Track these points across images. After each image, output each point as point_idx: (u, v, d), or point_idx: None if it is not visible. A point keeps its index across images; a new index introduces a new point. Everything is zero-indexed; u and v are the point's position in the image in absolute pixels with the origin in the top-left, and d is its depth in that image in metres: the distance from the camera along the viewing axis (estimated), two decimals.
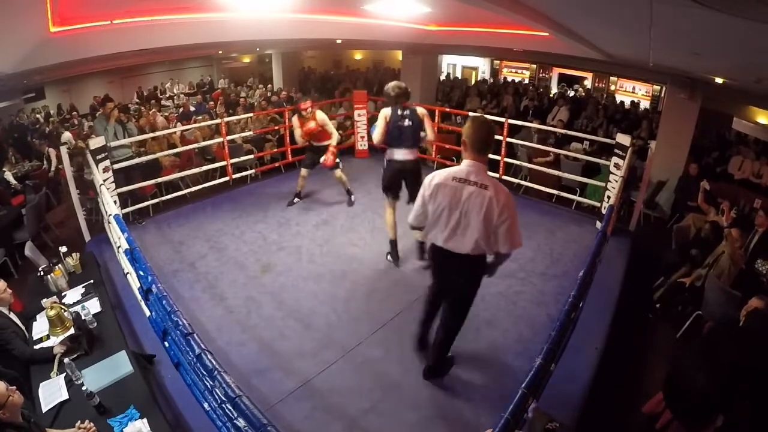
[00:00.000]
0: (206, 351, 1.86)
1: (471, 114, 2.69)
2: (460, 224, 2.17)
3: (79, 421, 1.96)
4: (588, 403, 2.61)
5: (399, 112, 3.53)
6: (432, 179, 2.21)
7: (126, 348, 2.54)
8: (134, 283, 2.81)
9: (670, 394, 2.49)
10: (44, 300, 2.79)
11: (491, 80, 12.89)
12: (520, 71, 13.53)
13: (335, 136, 4.94)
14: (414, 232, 3.47)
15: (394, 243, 3.99)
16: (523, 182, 5.59)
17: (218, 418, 1.75)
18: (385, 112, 3.56)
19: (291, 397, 2.61)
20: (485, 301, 3.51)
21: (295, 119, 4.88)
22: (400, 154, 3.62)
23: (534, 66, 13.08)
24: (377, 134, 3.56)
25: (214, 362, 1.80)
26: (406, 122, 3.53)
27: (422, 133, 3.63)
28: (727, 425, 2.23)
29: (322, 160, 4.81)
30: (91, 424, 1.97)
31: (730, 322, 2.49)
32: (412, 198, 3.61)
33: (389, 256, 4.05)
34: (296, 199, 5.32)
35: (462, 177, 2.15)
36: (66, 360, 2.32)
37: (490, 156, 4.90)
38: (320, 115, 4.83)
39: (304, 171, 5.15)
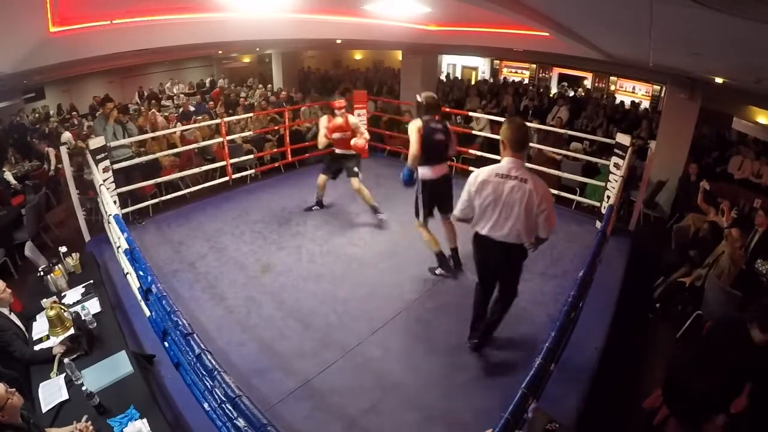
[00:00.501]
0: (206, 351, 1.86)
1: (508, 117, 2.85)
2: (502, 215, 2.39)
3: (75, 421, 1.96)
4: (588, 403, 2.61)
5: (433, 124, 3.35)
6: (477, 176, 2.44)
7: (126, 348, 2.54)
8: (134, 283, 2.81)
9: (669, 392, 2.50)
10: (44, 300, 2.78)
11: (491, 80, 12.90)
12: (520, 71, 13.53)
13: (366, 136, 4.56)
14: (428, 243, 3.66)
15: (442, 254, 3.74)
16: None
17: (218, 418, 1.75)
18: (417, 125, 3.33)
19: (291, 397, 2.61)
20: None
21: (324, 119, 4.53)
22: (438, 171, 3.43)
23: (534, 66, 13.09)
24: (415, 150, 3.27)
25: (214, 362, 1.80)
26: (440, 135, 3.36)
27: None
28: (729, 425, 2.23)
29: (353, 141, 4.41)
30: (89, 422, 1.97)
31: (730, 322, 2.49)
32: (445, 209, 3.58)
33: (439, 270, 3.76)
34: (315, 207, 5.07)
35: (504, 173, 2.39)
36: (66, 360, 2.31)
37: (490, 156, 4.95)
38: (353, 120, 4.51)
39: (322, 178, 4.83)
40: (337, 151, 4.66)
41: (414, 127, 3.34)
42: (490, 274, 2.72)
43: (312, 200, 5.15)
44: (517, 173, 2.37)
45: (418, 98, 3.47)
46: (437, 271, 3.79)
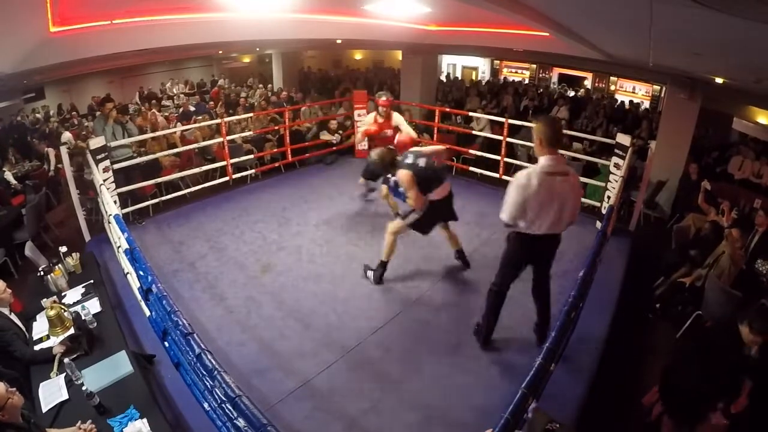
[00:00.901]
0: (206, 351, 1.86)
1: (539, 117, 2.73)
2: (557, 211, 2.46)
3: (79, 422, 1.96)
4: (588, 403, 2.61)
5: (417, 161, 3.30)
6: (528, 181, 2.39)
7: (126, 348, 2.54)
8: (134, 283, 2.81)
9: (664, 389, 2.50)
10: (44, 300, 2.78)
11: (492, 79, 12.90)
12: (520, 71, 13.54)
13: (413, 135, 4.33)
14: (388, 249, 3.61)
15: (385, 265, 3.69)
16: None
17: (218, 418, 1.75)
18: (408, 174, 3.24)
19: (291, 397, 2.61)
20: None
21: (371, 116, 4.47)
22: (442, 191, 3.42)
23: (534, 66, 13.09)
24: (419, 201, 3.30)
25: (214, 362, 1.80)
26: (425, 161, 3.31)
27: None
28: (729, 425, 2.23)
29: (396, 140, 4.22)
30: (93, 425, 1.97)
31: (729, 321, 2.49)
32: (450, 219, 3.66)
33: (371, 274, 3.69)
34: (369, 193, 5.25)
35: (551, 171, 2.41)
36: (66, 360, 2.31)
37: (490, 156, 4.93)
38: (397, 118, 4.37)
39: (361, 180, 5.05)
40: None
41: (406, 177, 3.24)
42: (518, 273, 2.80)
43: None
44: (560, 168, 2.43)
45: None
46: (368, 274, 3.72)
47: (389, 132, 4.34)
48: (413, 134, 4.38)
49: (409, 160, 3.31)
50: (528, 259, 2.75)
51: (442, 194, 3.42)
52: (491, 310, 2.88)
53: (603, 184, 4.77)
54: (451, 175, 6.36)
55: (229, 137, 5.79)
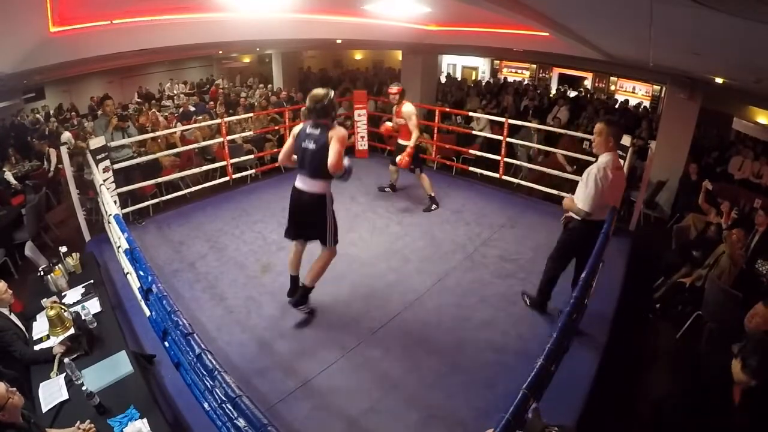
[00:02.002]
0: (206, 351, 1.86)
1: (607, 119, 3.18)
2: (618, 199, 2.96)
3: (78, 422, 1.96)
4: (588, 403, 2.61)
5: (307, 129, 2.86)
6: (606, 174, 2.71)
7: (126, 348, 2.54)
8: (134, 283, 2.81)
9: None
10: (44, 300, 2.79)
11: (491, 80, 12.90)
12: (520, 71, 13.54)
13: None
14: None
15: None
16: (523, 182, 5.59)
17: (218, 418, 1.75)
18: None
19: (291, 397, 2.61)
20: (485, 302, 3.51)
21: (396, 108, 4.72)
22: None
23: (534, 66, 13.09)
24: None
25: (214, 362, 1.80)
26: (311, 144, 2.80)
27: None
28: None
29: (397, 159, 4.65)
30: (92, 424, 1.97)
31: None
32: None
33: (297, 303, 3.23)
34: (387, 189, 5.50)
35: (618, 166, 2.82)
36: (66, 360, 2.31)
37: (490, 156, 4.96)
38: (407, 108, 4.51)
39: (391, 166, 5.22)
40: (399, 141, 4.83)
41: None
42: (575, 254, 3.09)
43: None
44: (620, 164, 2.85)
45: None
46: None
47: (401, 121, 4.57)
48: (415, 134, 4.58)
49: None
50: (585, 245, 2.84)
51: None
52: (545, 289, 3.29)
53: None
54: (451, 175, 6.38)
55: (229, 137, 5.79)
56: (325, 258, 3.11)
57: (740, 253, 3.47)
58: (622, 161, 3.20)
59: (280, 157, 3.04)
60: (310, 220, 2.98)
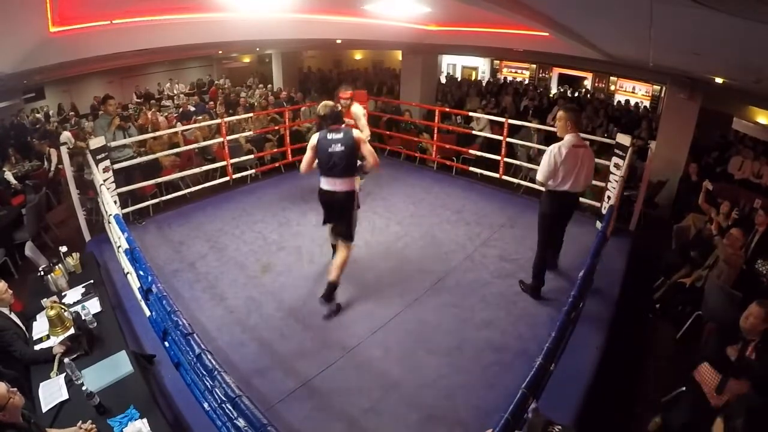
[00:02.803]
0: (206, 351, 1.86)
1: (566, 106, 3.65)
2: (580, 173, 3.22)
3: (80, 421, 1.96)
4: (588, 403, 2.61)
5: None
6: (560, 150, 3.15)
7: (126, 348, 2.54)
8: (134, 283, 2.81)
9: None
10: (44, 300, 2.79)
11: (491, 79, 12.90)
12: (520, 71, 13.54)
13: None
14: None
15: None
16: (523, 182, 5.59)
17: (218, 418, 1.75)
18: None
19: (291, 397, 2.61)
20: (485, 302, 3.51)
21: (346, 110, 4.63)
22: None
23: (534, 66, 13.10)
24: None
25: (214, 362, 1.80)
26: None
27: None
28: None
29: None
30: (93, 424, 1.97)
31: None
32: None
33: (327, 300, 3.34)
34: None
35: (576, 144, 3.19)
36: (66, 360, 2.32)
37: (490, 156, 5.00)
38: (355, 110, 4.62)
39: None
40: None
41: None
42: (556, 228, 3.52)
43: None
44: (581, 143, 3.24)
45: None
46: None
47: (351, 121, 4.52)
48: (366, 133, 4.45)
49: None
50: (557, 213, 3.40)
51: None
52: (537, 273, 3.54)
53: (603, 184, 4.77)
54: (451, 175, 6.38)
55: (229, 137, 5.80)
56: (345, 253, 3.36)
57: (736, 257, 3.46)
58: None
59: (304, 167, 3.29)
60: (340, 216, 3.33)
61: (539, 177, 3.26)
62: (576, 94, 11.37)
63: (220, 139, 5.64)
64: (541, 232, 3.49)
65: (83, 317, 2.64)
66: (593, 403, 2.62)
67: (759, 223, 3.89)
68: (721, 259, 3.47)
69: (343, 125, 3.24)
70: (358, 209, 3.41)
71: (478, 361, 2.92)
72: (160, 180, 5.23)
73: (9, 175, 5.97)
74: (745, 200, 5.40)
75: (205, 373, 1.83)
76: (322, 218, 3.41)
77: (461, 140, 6.92)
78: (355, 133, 3.17)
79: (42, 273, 3.13)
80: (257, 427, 1.52)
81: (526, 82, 12.86)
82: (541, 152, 6.22)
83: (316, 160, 3.20)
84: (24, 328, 2.64)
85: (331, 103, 3.32)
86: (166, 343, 2.25)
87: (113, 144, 4.44)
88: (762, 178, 6.18)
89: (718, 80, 5.04)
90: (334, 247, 3.56)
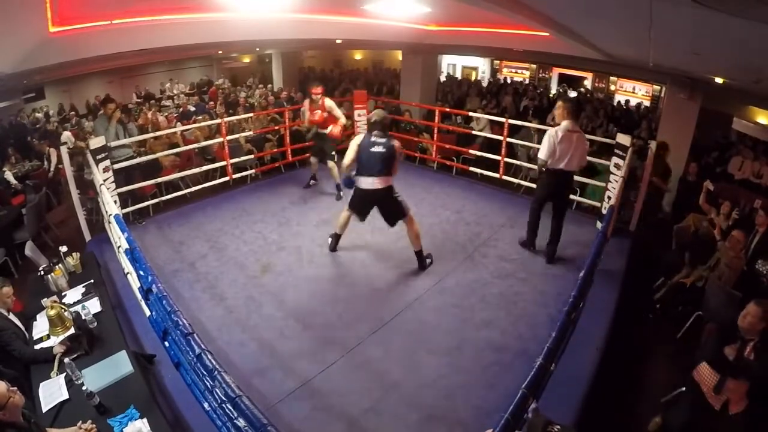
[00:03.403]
0: (206, 351, 1.86)
1: (564, 97, 3.96)
2: (574, 154, 3.73)
3: (80, 421, 1.96)
4: (588, 403, 2.61)
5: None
6: (557, 134, 3.70)
7: (126, 348, 2.54)
8: (134, 282, 2.81)
9: None
10: (44, 300, 2.79)
11: (491, 79, 12.90)
12: (520, 71, 13.53)
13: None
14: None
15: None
16: (523, 182, 5.59)
17: (218, 418, 1.75)
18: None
19: (291, 397, 2.61)
20: (485, 302, 3.52)
21: (306, 103, 5.18)
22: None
23: (534, 66, 13.09)
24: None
25: (214, 362, 1.80)
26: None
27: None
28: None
29: (328, 131, 5.04)
30: (93, 424, 1.97)
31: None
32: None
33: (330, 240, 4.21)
34: (312, 182, 5.73)
35: (571, 129, 3.72)
36: (66, 360, 2.32)
37: (490, 156, 5.03)
38: (328, 103, 5.09)
39: (312, 159, 5.55)
40: (319, 130, 5.22)
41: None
42: (548, 198, 4.03)
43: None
44: (576, 129, 3.79)
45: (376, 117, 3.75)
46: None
47: (325, 114, 5.06)
48: (343, 118, 5.20)
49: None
50: (552, 187, 3.94)
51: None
52: (531, 224, 4.19)
53: (603, 185, 4.77)
54: (451, 175, 6.38)
55: (229, 137, 5.80)
56: (412, 224, 3.85)
57: (737, 259, 3.45)
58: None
59: (347, 163, 3.71)
60: (385, 208, 3.80)
61: (540, 155, 3.79)
62: (576, 94, 11.36)
63: (220, 139, 5.64)
64: (538, 201, 4.09)
65: (83, 317, 2.64)
66: (593, 403, 2.63)
67: (759, 223, 3.88)
68: (723, 263, 3.47)
69: (388, 137, 3.66)
70: (400, 195, 3.81)
71: (478, 361, 2.92)
72: (160, 180, 5.23)
73: (9, 175, 5.96)
74: (745, 200, 5.40)
75: (205, 373, 1.83)
76: (322, 218, 3.57)
77: (461, 140, 6.92)
78: (397, 144, 3.65)
79: (42, 273, 3.13)
80: (257, 427, 1.52)
81: (526, 82, 12.86)
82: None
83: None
84: (23, 329, 2.64)
85: (384, 112, 3.75)
86: (166, 343, 2.25)
87: (113, 144, 4.44)
88: (762, 178, 6.18)
89: (718, 80, 5.04)
90: (338, 237, 4.14)
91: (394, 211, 3.79)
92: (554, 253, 4.11)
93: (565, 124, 3.72)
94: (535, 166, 5.72)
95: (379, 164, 3.58)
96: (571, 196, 5.39)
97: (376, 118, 3.68)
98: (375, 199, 3.73)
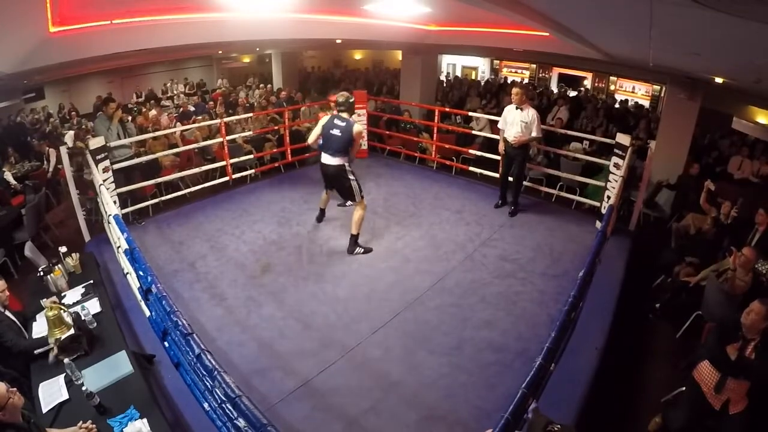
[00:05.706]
0: (206, 351, 1.86)
1: (520, 84, 4.01)
2: (513, 127, 4.60)
3: (80, 422, 1.96)
4: (588, 403, 2.61)
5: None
6: (505, 111, 4.70)
7: (126, 348, 2.54)
8: (134, 283, 2.81)
9: None
10: (44, 300, 2.78)
11: (491, 79, 12.89)
12: (520, 71, 13.53)
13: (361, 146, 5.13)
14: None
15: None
16: (524, 182, 5.57)
17: (218, 418, 1.75)
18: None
19: (291, 397, 2.61)
20: (485, 301, 3.51)
21: (320, 115, 4.68)
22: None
23: (534, 66, 13.09)
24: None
25: (214, 362, 1.80)
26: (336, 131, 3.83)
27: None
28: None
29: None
30: (93, 424, 1.97)
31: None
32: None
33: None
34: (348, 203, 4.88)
35: (516, 106, 4.53)
36: (66, 360, 2.31)
37: (490, 156, 5.06)
38: (356, 128, 4.14)
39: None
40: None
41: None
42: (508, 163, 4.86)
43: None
44: (523, 105, 4.54)
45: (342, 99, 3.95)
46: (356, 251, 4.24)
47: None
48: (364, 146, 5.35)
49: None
50: (509, 154, 4.85)
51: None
52: (501, 179, 5.12)
53: (603, 184, 4.77)
54: (451, 175, 6.38)
55: (229, 137, 5.79)
56: (359, 210, 4.09)
57: (747, 279, 3.37)
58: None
59: (311, 139, 4.05)
60: (337, 185, 4.07)
61: (541, 134, 4.71)
62: (576, 94, 11.35)
63: (220, 139, 5.64)
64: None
65: (83, 317, 2.64)
66: (593, 403, 2.63)
67: (759, 222, 3.88)
68: (731, 275, 3.39)
69: (347, 121, 3.84)
70: (355, 180, 4.01)
71: (478, 361, 2.92)
72: (159, 180, 5.23)
73: (8, 176, 5.96)
74: (745, 200, 5.39)
75: (205, 373, 1.83)
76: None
77: (461, 140, 6.92)
78: (357, 129, 3.81)
79: (42, 273, 3.13)
80: (257, 427, 1.52)
81: (526, 81, 12.85)
82: (540, 152, 6.27)
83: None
84: (20, 324, 2.63)
85: (347, 94, 4.01)
86: (166, 343, 2.25)
87: (113, 144, 4.44)
88: (762, 178, 6.18)
89: (718, 80, 5.04)
90: (322, 211, 4.64)
91: (343, 190, 4.06)
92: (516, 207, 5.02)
93: (530, 105, 4.59)
94: (535, 167, 5.75)
95: (334, 144, 3.83)
96: (571, 196, 5.48)
97: (341, 99, 3.91)
98: (328, 174, 4.01)
